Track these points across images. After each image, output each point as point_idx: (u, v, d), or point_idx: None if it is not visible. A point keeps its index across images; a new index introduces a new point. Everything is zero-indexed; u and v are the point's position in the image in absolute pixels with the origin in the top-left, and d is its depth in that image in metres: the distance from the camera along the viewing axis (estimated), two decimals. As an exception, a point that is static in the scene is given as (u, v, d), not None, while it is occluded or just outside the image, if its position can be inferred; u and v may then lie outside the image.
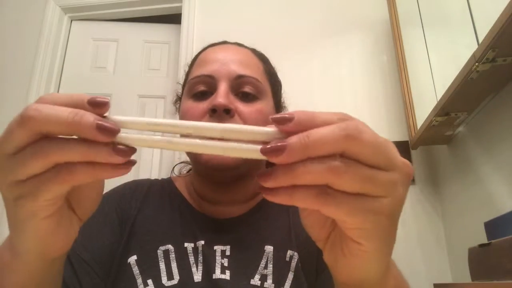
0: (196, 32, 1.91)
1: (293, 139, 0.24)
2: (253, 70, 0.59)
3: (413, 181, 1.50)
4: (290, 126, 0.25)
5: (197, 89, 0.57)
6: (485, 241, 0.86)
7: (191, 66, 0.65)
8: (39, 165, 0.25)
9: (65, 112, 0.25)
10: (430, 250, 1.41)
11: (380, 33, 1.72)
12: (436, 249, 1.40)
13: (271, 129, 0.26)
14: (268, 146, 0.24)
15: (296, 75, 1.67)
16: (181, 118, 0.59)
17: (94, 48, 2.12)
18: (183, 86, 0.65)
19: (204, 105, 0.55)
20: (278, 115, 0.25)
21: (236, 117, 0.54)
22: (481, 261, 0.84)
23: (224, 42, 0.65)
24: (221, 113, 0.52)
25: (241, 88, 0.56)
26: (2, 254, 0.32)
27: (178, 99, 0.67)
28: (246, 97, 0.56)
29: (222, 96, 0.53)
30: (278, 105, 0.65)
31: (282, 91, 0.68)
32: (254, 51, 0.65)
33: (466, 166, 1.22)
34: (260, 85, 0.58)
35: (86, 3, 2.11)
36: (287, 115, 0.25)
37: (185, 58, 1.84)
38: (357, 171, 0.24)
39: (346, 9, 1.80)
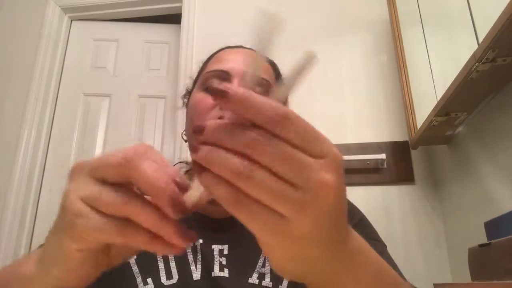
0: (196, 32, 1.91)
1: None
2: (267, 75, 0.61)
3: (413, 181, 1.50)
4: (226, 101, 0.24)
5: (210, 83, 0.58)
6: (485, 241, 0.86)
7: (206, 62, 0.66)
8: (113, 207, 0.26)
9: (161, 182, 0.25)
10: (430, 250, 1.41)
11: (380, 33, 1.72)
12: (436, 249, 1.40)
13: None
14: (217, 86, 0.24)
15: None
16: (190, 109, 0.60)
17: (94, 48, 2.12)
18: (195, 81, 0.66)
19: None
20: (215, 86, 0.24)
21: None
22: (481, 261, 0.84)
23: (241, 46, 0.67)
24: None
25: (253, 89, 0.57)
26: (28, 264, 0.32)
27: (188, 93, 0.68)
28: None
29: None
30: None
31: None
32: (268, 60, 0.67)
33: (466, 166, 1.22)
34: (271, 88, 0.59)
35: (86, 3, 2.11)
36: (224, 88, 0.24)
37: (185, 58, 1.84)
38: (264, 179, 0.23)
39: (346, 9, 1.80)
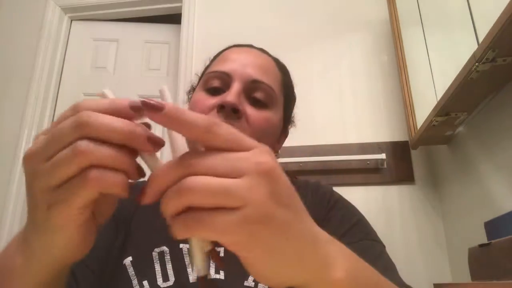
0: (196, 32, 1.91)
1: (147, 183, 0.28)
2: (270, 79, 0.59)
3: (413, 181, 1.50)
4: (158, 116, 0.26)
5: (211, 84, 0.58)
6: (485, 241, 0.86)
7: (212, 60, 0.66)
8: (75, 166, 0.25)
9: (120, 123, 0.26)
10: (430, 250, 1.41)
11: (380, 33, 1.72)
12: (436, 249, 1.40)
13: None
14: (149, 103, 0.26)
15: (296, 75, 1.65)
16: (190, 107, 0.60)
17: (94, 48, 2.12)
18: (200, 78, 0.66)
19: (214, 101, 0.56)
20: (150, 101, 0.26)
21: (243, 119, 0.54)
22: (481, 261, 0.84)
23: (250, 46, 0.66)
24: (229, 112, 0.53)
25: (254, 93, 0.57)
26: (12, 258, 0.32)
27: (192, 89, 0.68)
28: (257, 103, 0.57)
29: (233, 95, 0.53)
30: (287, 119, 0.66)
31: (295, 107, 0.68)
32: (277, 61, 0.66)
33: (466, 166, 1.22)
34: (273, 94, 0.58)
35: (86, 3, 2.11)
36: (158, 104, 0.26)
37: (185, 58, 1.84)
38: (207, 184, 0.24)
39: (346, 9, 1.80)
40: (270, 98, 0.58)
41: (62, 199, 0.26)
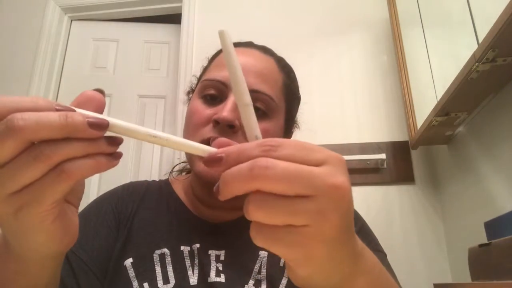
0: (196, 32, 1.91)
1: (220, 182, 0.26)
2: (270, 86, 0.56)
3: (413, 181, 1.50)
4: (222, 167, 0.26)
5: (207, 92, 0.56)
6: (485, 241, 0.86)
7: (209, 62, 0.64)
8: (40, 169, 0.25)
9: (55, 115, 0.24)
10: (430, 250, 1.41)
11: (380, 33, 1.72)
12: (436, 249, 1.40)
13: (213, 149, 0.28)
14: (207, 156, 0.27)
15: (296, 75, 1.66)
16: (187, 115, 0.58)
17: (94, 48, 2.12)
18: (198, 80, 0.64)
19: (210, 112, 0.54)
20: (210, 158, 0.27)
21: (240, 133, 0.53)
22: (481, 261, 0.84)
23: (250, 44, 0.63)
24: (224, 127, 0.52)
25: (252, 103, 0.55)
26: (3, 265, 0.31)
27: (192, 91, 0.66)
28: (256, 113, 0.55)
29: (228, 110, 0.52)
30: (290, 122, 0.63)
31: (299, 107, 0.67)
32: (279, 61, 0.62)
33: (466, 166, 1.22)
34: (273, 104, 0.56)
35: (86, 3, 2.11)
36: (217, 157, 0.26)
37: (185, 58, 1.84)
38: (273, 205, 0.24)
39: (346, 9, 1.80)
40: (269, 107, 0.55)
41: (32, 200, 0.25)
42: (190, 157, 0.56)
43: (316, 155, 0.26)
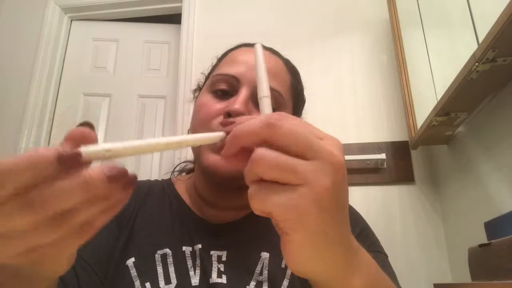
0: (196, 32, 1.91)
1: (228, 136, 0.29)
2: (279, 83, 0.57)
3: (413, 181, 1.50)
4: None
5: (218, 87, 0.56)
6: (485, 241, 0.86)
7: (219, 60, 0.64)
8: (64, 230, 0.23)
9: (74, 186, 0.22)
10: (430, 250, 1.41)
11: (380, 33, 1.72)
12: (436, 249, 1.40)
13: (220, 133, 0.30)
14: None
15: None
16: (195, 110, 0.58)
17: (94, 48, 2.12)
18: (206, 77, 0.64)
19: (221, 106, 0.54)
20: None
21: None
22: (481, 261, 0.84)
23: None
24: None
25: None
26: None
27: (199, 88, 0.67)
28: None
29: (240, 102, 0.52)
30: None
31: (304, 109, 0.67)
32: (287, 62, 0.63)
33: (466, 166, 1.22)
34: (282, 100, 0.56)
35: (86, 3, 2.11)
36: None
37: (185, 58, 1.84)
38: (275, 159, 0.26)
39: (346, 9, 1.80)
40: (279, 103, 0.56)
41: (49, 254, 0.25)
42: (198, 151, 0.55)
43: (319, 132, 0.29)
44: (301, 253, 0.28)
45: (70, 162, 0.22)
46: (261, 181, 0.27)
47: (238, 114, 0.51)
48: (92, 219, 0.24)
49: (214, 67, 0.64)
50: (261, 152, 0.26)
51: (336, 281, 0.30)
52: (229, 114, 0.52)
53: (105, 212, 0.25)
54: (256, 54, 0.36)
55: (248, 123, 0.27)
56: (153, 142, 0.26)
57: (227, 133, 0.29)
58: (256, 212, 0.28)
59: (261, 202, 0.26)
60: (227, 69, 0.57)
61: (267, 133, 0.26)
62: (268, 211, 0.27)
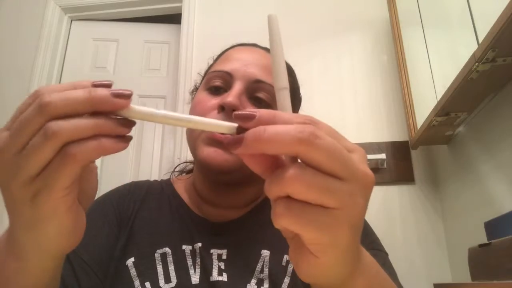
0: (196, 32, 1.91)
1: (249, 132, 0.25)
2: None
3: (413, 181, 1.50)
4: (251, 124, 0.25)
5: (213, 83, 0.57)
6: (485, 241, 0.86)
7: (215, 60, 0.65)
8: (50, 148, 0.25)
9: (79, 91, 0.26)
10: (430, 250, 1.41)
11: (380, 33, 1.72)
12: (436, 249, 1.40)
13: (234, 124, 0.27)
14: (229, 137, 0.26)
15: (296, 75, 1.67)
16: (192, 107, 0.59)
17: (94, 48, 2.12)
18: (202, 78, 0.65)
19: (216, 101, 0.55)
20: (241, 112, 0.26)
21: None
22: (481, 261, 0.84)
23: (254, 45, 0.65)
24: (229, 112, 0.52)
25: (256, 93, 0.55)
26: (4, 264, 0.31)
27: (195, 89, 0.67)
28: (259, 103, 0.56)
29: (233, 96, 0.53)
30: None
31: (300, 109, 0.67)
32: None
33: (466, 166, 1.22)
34: None
35: (86, 3, 2.11)
36: (249, 113, 0.26)
37: (185, 58, 1.84)
38: (312, 180, 0.24)
39: (346, 9, 1.80)
40: (274, 98, 0.56)
41: (46, 185, 0.26)
42: (194, 145, 0.55)
43: (347, 142, 0.27)
44: (329, 271, 0.28)
45: (122, 98, 0.26)
46: (289, 198, 0.24)
47: (231, 107, 0.52)
48: (84, 147, 0.25)
49: (210, 67, 0.65)
50: (298, 171, 0.24)
51: (340, 284, 0.30)
52: (222, 107, 0.52)
53: (91, 143, 0.25)
54: (271, 30, 0.31)
55: (282, 130, 0.24)
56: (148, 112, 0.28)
57: (239, 127, 0.27)
58: (281, 229, 0.27)
59: (294, 222, 0.24)
60: (221, 66, 0.59)
61: (304, 149, 0.24)
62: (299, 232, 0.25)
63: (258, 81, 0.55)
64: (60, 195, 0.27)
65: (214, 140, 0.51)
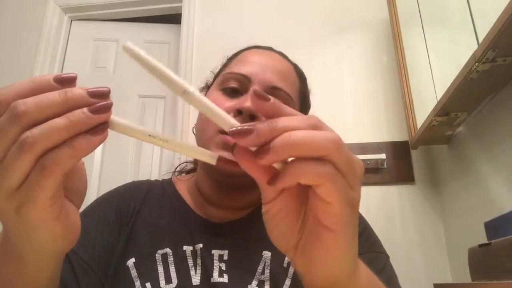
0: (196, 32, 1.90)
1: (278, 140, 0.25)
2: (289, 86, 0.58)
3: (413, 181, 1.50)
4: (250, 139, 0.25)
5: (229, 85, 0.57)
6: (485, 241, 0.86)
7: (230, 59, 0.64)
8: (26, 161, 0.24)
9: (54, 94, 0.25)
10: (430, 250, 1.41)
11: (380, 33, 1.72)
12: (436, 249, 1.40)
13: (214, 154, 0.28)
14: (235, 128, 0.25)
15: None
16: None
17: (94, 48, 2.12)
18: (215, 76, 0.64)
19: (231, 103, 0.54)
20: (235, 129, 0.26)
21: None
22: (481, 261, 0.84)
23: (270, 48, 0.65)
24: (246, 117, 0.51)
25: None
26: (3, 267, 0.31)
27: (207, 87, 0.67)
28: None
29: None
30: None
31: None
32: (295, 67, 0.65)
33: (466, 166, 1.22)
34: (291, 102, 0.57)
35: (86, 3, 2.11)
36: (245, 128, 0.25)
37: (185, 58, 1.84)
38: (311, 138, 0.25)
39: (346, 9, 1.80)
40: (288, 105, 0.56)
41: (28, 197, 0.25)
42: (205, 147, 0.55)
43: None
44: (343, 252, 0.28)
45: (98, 97, 0.26)
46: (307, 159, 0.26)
47: (250, 112, 0.51)
48: (59, 157, 0.25)
49: (224, 66, 0.64)
50: (298, 133, 0.25)
51: (349, 282, 0.31)
52: (240, 112, 0.52)
53: (63, 150, 0.25)
54: (138, 58, 0.32)
55: (313, 134, 0.25)
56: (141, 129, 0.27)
57: (229, 145, 0.28)
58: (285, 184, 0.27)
59: (336, 189, 0.26)
60: (238, 68, 0.58)
61: (335, 155, 0.25)
62: (320, 182, 0.25)
63: (275, 88, 0.55)
64: (45, 206, 0.26)
65: (229, 145, 0.51)
